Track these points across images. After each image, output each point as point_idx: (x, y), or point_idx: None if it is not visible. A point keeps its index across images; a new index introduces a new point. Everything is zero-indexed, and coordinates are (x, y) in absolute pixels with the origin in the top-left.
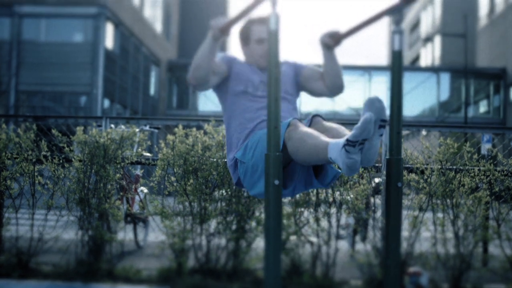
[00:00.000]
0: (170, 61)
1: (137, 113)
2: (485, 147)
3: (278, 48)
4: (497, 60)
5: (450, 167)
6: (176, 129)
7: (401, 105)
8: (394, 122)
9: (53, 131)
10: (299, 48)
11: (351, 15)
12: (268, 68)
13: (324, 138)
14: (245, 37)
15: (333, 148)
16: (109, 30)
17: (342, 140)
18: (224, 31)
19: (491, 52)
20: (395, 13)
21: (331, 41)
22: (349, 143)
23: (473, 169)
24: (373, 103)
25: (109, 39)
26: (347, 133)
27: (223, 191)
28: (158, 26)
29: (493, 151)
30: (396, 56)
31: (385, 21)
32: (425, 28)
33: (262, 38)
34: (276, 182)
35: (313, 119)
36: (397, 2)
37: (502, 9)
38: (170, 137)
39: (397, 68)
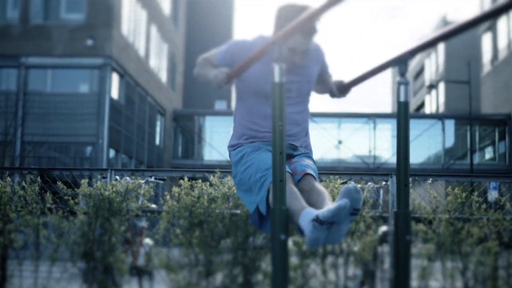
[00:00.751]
0: (175, 111)
1: (142, 163)
2: (492, 195)
3: (283, 100)
4: (501, 106)
5: (459, 216)
6: (181, 181)
7: (408, 157)
8: (401, 175)
9: (58, 183)
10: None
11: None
12: (272, 124)
13: (302, 202)
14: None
15: (304, 216)
16: (115, 81)
17: (314, 214)
18: (228, 82)
19: (495, 98)
20: (401, 64)
21: (337, 91)
22: (318, 221)
23: (482, 218)
24: (350, 193)
25: (114, 89)
26: (328, 203)
27: (229, 243)
28: (164, 76)
29: (501, 200)
30: (402, 107)
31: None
32: (429, 75)
33: (296, 50)
34: (283, 237)
35: (304, 176)
36: (402, 53)
37: (505, 56)
38: (175, 189)
39: (403, 119)
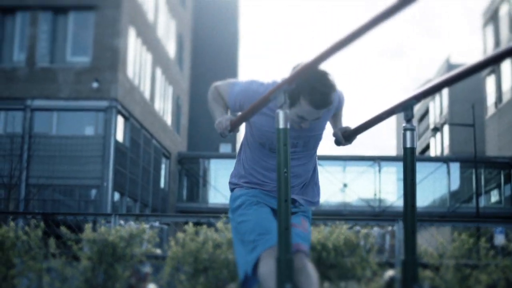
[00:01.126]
0: (180, 154)
1: (147, 206)
2: (499, 239)
3: (288, 146)
4: (506, 148)
5: (466, 262)
6: (186, 227)
7: (415, 204)
8: (409, 222)
9: (62, 228)
10: None
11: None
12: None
13: None
14: (293, 97)
15: None
16: (120, 123)
17: None
18: (232, 130)
19: (500, 141)
20: (406, 110)
21: (342, 138)
22: None
23: (490, 264)
24: None
25: (119, 132)
26: None
27: None
28: (169, 119)
29: (508, 245)
30: (409, 153)
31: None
32: (433, 117)
33: (305, 118)
34: (288, 286)
35: (297, 252)
36: (407, 98)
37: (509, 98)
38: (180, 234)
39: (409, 165)
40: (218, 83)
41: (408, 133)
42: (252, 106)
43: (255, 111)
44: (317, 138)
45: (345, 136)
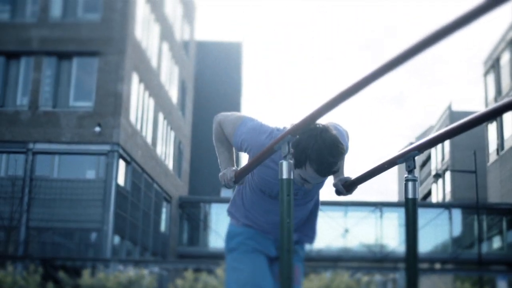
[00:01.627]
0: (181, 198)
1: (147, 250)
2: (501, 285)
3: (291, 196)
4: (508, 195)
5: None
6: (185, 273)
7: (417, 255)
8: (411, 272)
9: (60, 273)
10: None
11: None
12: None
13: None
14: (299, 160)
15: None
16: (121, 167)
17: None
18: (236, 182)
19: (502, 187)
20: (408, 160)
21: (343, 189)
22: None
23: None
24: None
25: (121, 176)
26: None
27: None
28: (170, 163)
29: None
30: (411, 204)
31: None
32: (435, 164)
33: (308, 181)
34: None
35: None
36: (409, 149)
37: (511, 145)
38: (179, 282)
39: (412, 216)
40: (223, 117)
41: (410, 184)
42: (256, 157)
43: (259, 161)
44: (319, 187)
45: (345, 186)
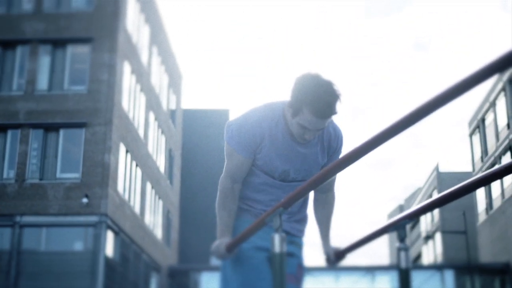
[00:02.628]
0: (170, 267)
1: None
2: None
3: (284, 271)
4: (499, 254)
5: None
6: None
7: None
8: None
9: None
10: None
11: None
12: None
13: None
14: (296, 107)
15: None
16: (110, 238)
17: None
18: (229, 252)
19: (493, 247)
20: (399, 229)
21: (334, 257)
22: None
23: None
24: None
25: (109, 247)
26: None
27: None
28: (159, 233)
29: None
30: (404, 274)
31: (384, 214)
32: (424, 225)
33: (306, 127)
34: None
35: None
36: (400, 218)
37: (500, 204)
38: None
39: (405, 285)
40: (223, 178)
41: (403, 254)
42: (248, 229)
43: (251, 233)
44: (317, 156)
45: (336, 255)
